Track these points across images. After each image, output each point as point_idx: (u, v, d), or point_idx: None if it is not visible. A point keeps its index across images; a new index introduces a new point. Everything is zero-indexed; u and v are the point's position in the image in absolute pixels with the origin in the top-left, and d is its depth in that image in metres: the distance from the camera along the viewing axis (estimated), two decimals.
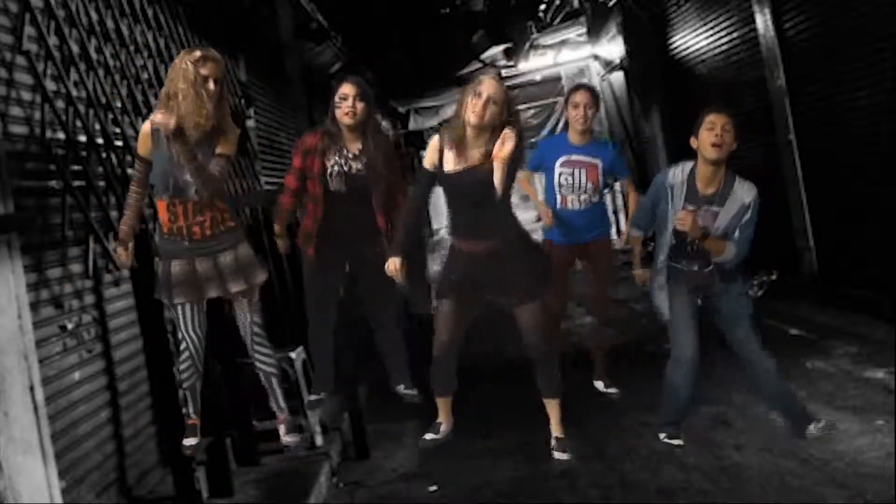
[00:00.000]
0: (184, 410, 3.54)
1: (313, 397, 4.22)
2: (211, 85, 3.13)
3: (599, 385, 5.03)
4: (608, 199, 13.66)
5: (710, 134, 3.56)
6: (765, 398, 3.97)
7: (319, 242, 3.74)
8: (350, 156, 3.67)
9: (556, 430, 3.72)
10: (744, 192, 3.63)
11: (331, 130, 3.68)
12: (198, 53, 3.16)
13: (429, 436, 3.83)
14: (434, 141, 3.43)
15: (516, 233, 3.51)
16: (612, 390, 4.97)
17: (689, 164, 3.71)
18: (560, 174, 4.62)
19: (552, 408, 3.72)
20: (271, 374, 3.57)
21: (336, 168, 3.66)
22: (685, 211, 3.59)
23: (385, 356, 4.06)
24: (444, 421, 3.82)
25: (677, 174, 3.71)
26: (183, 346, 3.39)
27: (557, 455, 3.70)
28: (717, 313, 3.81)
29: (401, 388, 4.03)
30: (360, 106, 3.61)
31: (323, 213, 3.70)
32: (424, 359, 3.79)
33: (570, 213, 4.65)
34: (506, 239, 3.44)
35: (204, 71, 3.12)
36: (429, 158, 3.43)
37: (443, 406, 3.81)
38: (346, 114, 3.61)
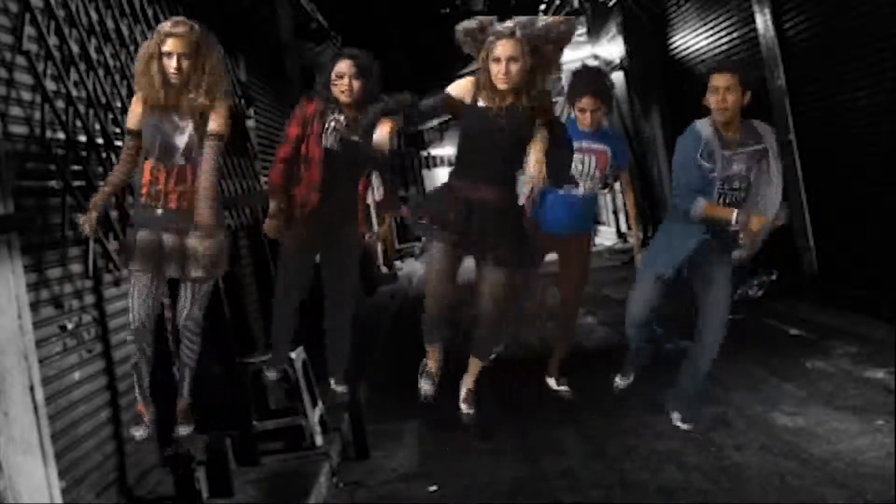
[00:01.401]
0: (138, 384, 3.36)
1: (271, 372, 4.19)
2: (172, 62, 3.09)
3: (551, 382, 4.97)
4: (608, 198, 13.75)
5: (714, 98, 3.56)
6: (680, 371, 3.93)
7: (312, 211, 3.60)
8: (346, 123, 3.61)
9: (468, 383, 3.59)
10: (763, 132, 3.67)
11: (329, 98, 3.63)
12: (164, 28, 3.14)
13: (425, 385, 3.59)
14: (471, 80, 3.23)
15: (515, 197, 3.45)
16: (564, 388, 4.90)
17: (706, 119, 3.67)
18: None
19: (474, 366, 3.57)
20: (191, 367, 3.44)
21: (332, 125, 3.60)
22: (758, 218, 3.52)
23: (329, 347, 4.04)
24: (435, 369, 3.59)
25: (704, 128, 3.65)
26: (130, 318, 3.23)
27: (465, 409, 3.56)
28: (701, 277, 3.78)
29: (332, 383, 4.08)
30: (356, 84, 3.57)
31: (319, 178, 3.59)
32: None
33: (573, 199, 4.55)
34: (510, 196, 3.35)
35: (165, 47, 3.10)
36: (457, 91, 3.23)
37: (434, 355, 3.60)
38: (343, 92, 3.57)
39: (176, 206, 3.17)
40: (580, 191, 4.53)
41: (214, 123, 3.19)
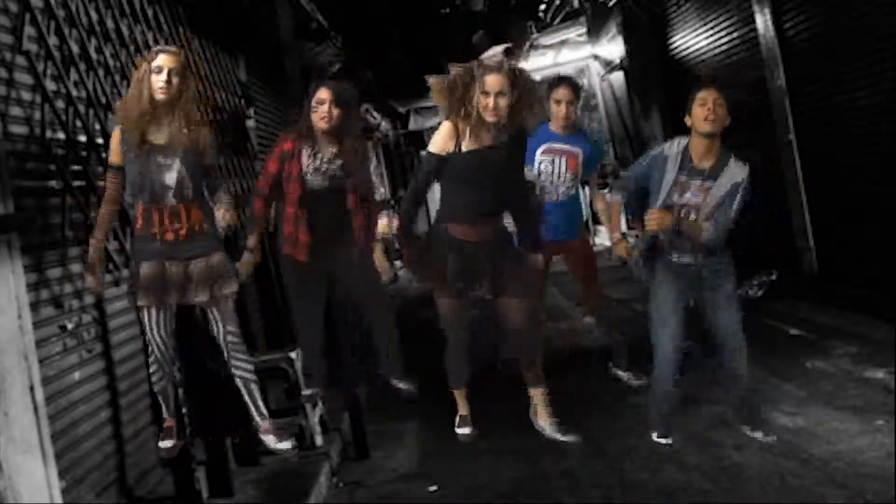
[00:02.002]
0: (164, 413, 3.49)
1: (307, 392, 4.24)
2: (163, 74, 3.08)
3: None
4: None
5: (703, 109, 3.55)
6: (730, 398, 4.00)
7: (304, 247, 3.68)
8: (325, 158, 3.66)
9: (544, 415, 3.69)
10: (738, 171, 3.58)
11: (304, 133, 3.66)
12: (155, 49, 3.18)
13: (463, 430, 3.75)
14: (450, 127, 3.30)
15: (503, 226, 3.52)
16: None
17: (684, 139, 3.68)
18: (540, 162, 4.59)
19: (539, 397, 3.70)
20: (250, 380, 3.44)
21: (311, 168, 3.64)
22: (657, 211, 3.56)
23: (379, 350, 4.04)
24: (466, 412, 3.77)
25: (673, 146, 3.67)
26: (150, 349, 3.31)
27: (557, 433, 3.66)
28: (706, 309, 3.78)
29: (395, 381, 4.01)
30: (335, 112, 3.60)
31: (303, 216, 3.65)
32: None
33: (549, 205, 4.59)
34: (500, 228, 3.46)
35: (155, 62, 3.09)
36: (441, 144, 3.31)
37: (461, 397, 3.76)
38: (322, 118, 3.60)
39: (173, 238, 3.17)
40: (553, 197, 4.58)
41: (212, 157, 3.28)
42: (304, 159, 3.64)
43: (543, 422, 3.68)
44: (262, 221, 3.78)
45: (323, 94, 3.62)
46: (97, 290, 3.34)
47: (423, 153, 3.46)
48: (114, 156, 3.21)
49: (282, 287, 5.50)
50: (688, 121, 3.65)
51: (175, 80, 3.11)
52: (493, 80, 3.19)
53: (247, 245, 3.72)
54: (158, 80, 3.08)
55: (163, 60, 3.10)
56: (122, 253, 3.95)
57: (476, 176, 3.31)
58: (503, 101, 3.20)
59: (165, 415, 3.46)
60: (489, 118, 3.21)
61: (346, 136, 3.69)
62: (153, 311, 3.21)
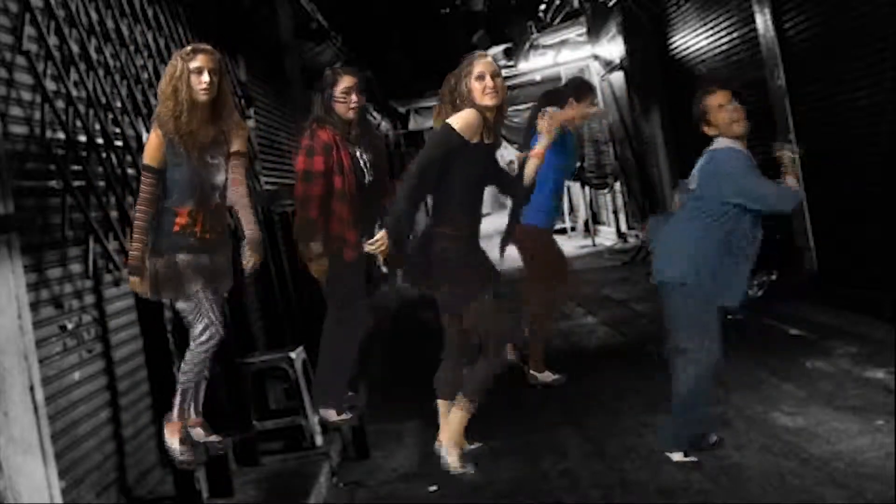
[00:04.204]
0: (183, 406, 3.30)
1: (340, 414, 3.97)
2: (204, 76, 3.04)
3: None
4: (608, 198, 13.76)
5: (729, 112, 3.49)
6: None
7: (352, 246, 3.49)
8: (361, 148, 3.53)
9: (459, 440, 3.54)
10: None
11: (336, 124, 3.48)
12: (188, 48, 3.11)
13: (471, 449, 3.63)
14: (476, 116, 3.15)
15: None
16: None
17: (736, 146, 3.54)
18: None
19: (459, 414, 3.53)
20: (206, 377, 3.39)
21: (363, 160, 3.48)
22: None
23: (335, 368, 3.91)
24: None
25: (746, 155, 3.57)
26: (209, 334, 3.18)
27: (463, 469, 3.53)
28: None
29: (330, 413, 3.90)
30: (362, 99, 3.54)
31: (350, 212, 3.48)
32: None
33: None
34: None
35: (194, 63, 3.04)
36: (468, 126, 3.13)
37: (446, 408, 3.67)
38: (352, 108, 3.47)
39: (210, 237, 3.17)
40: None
41: (242, 143, 3.21)
42: (349, 150, 3.46)
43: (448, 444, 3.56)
44: (318, 230, 3.52)
45: (349, 81, 3.46)
46: (146, 293, 3.23)
47: (438, 129, 3.16)
48: (152, 160, 3.10)
49: (282, 287, 5.50)
50: (709, 131, 3.57)
51: (215, 79, 3.07)
52: (484, 64, 3.18)
53: (314, 251, 3.51)
54: (200, 82, 3.03)
55: (202, 61, 3.04)
56: (122, 253, 3.95)
57: (481, 175, 3.28)
58: (500, 81, 3.18)
59: (188, 413, 3.30)
60: (489, 101, 3.16)
61: (361, 122, 3.54)
62: (206, 294, 3.15)
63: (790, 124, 6.97)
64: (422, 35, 12.14)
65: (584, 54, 13.34)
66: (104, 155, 3.94)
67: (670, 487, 3.62)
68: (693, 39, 8.94)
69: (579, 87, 4.64)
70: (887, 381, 4.51)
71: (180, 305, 3.18)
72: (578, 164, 4.75)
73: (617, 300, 8.23)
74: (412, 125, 16.05)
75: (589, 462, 4.03)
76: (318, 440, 4.62)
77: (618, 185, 12.84)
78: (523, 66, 13.86)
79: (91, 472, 3.46)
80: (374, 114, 15.00)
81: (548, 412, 4.83)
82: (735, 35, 7.83)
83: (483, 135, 3.22)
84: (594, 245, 13.81)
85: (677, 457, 3.77)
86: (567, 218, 15.61)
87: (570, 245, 13.34)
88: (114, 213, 3.87)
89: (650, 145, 11.09)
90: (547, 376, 5.25)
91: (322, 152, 3.44)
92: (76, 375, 3.47)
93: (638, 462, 3.95)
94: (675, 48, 9.53)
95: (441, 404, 3.68)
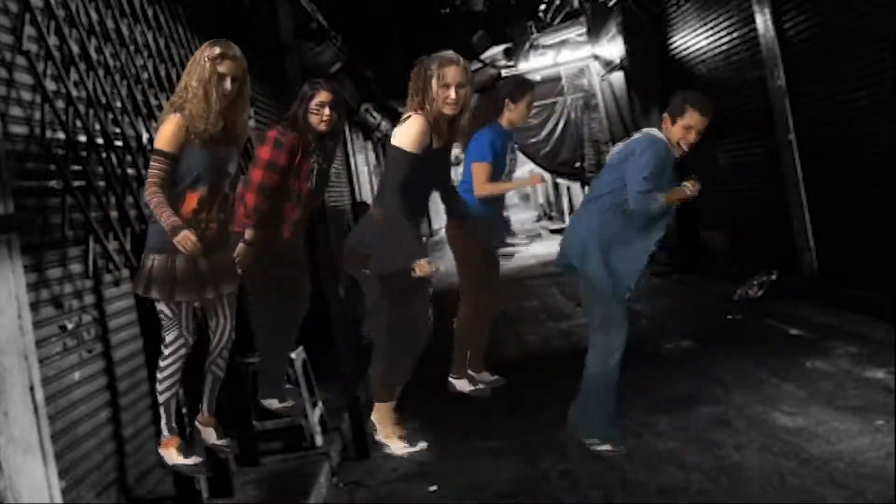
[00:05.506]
0: (170, 422, 3.27)
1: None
2: (227, 83, 3.06)
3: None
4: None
5: (691, 136, 3.56)
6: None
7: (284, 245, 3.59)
8: (319, 158, 3.66)
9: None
10: None
11: (306, 131, 3.59)
12: (217, 50, 3.11)
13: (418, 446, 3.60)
14: (424, 122, 3.19)
15: None
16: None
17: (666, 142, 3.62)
18: (511, 160, 4.53)
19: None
20: (221, 377, 3.37)
21: (316, 167, 3.61)
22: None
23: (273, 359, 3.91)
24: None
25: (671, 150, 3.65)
26: (178, 345, 3.19)
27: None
28: None
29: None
30: (334, 115, 3.62)
31: (299, 216, 3.60)
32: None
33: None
34: None
35: (221, 69, 3.06)
36: (422, 141, 3.19)
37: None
38: (323, 121, 3.59)
39: (214, 230, 3.13)
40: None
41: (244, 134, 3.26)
42: (309, 157, 3.58)
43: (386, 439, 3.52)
44: (265, 219, 3.53)
45: (324, 96, 3.61)
46: (197, 249, 3.02)
47: (396, 152, 3.22)
48: (168, 145, 3.06)
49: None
50: (668, 128, 3.60)
51: (235, 87, 3.10)
52: (453, 72, 3.18)
53: (247, 238, 3.50)
54: (227, 86, 3.07)
55: (230, 68, 3.07)
56: (122, 253, 3.95)
57: (433, 173, 3.32)
58: (463, 93, 3.19)
59: (167, 432, 3.27)
60: (448, 112, 3.17)
61: (332, 140, 3.70)
62: (186, 307, 3.14)
63: (790, 124, 6.98)
64: (422, 35, 12.10)
65: (584, 54, 13.34)
66: (104, 155, 3.94)
67: (670, 487, 3.63)
68: (693, 39, 8.94)
69: (515, 89, 4.49)
70: (887, 381, 4.51)
71: (162, 308, 3.18)
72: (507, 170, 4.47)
73: None
74: None
75: (589, 462, 4.03)
76: (318, 440, 4.62)
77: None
78: (523, 66, 13.85)
79: (91, 472, 3.47)
80: (374, 114, 15.00)
81: (548, 412, 4.83)
82: (735, 35, 7.83)
83: (434, 139, 3.25)
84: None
85: (593, 444, 3.77)
86: (567, 218, 15.62)
87: None
88: (114, 213, 3.87)
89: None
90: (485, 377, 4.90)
91: (287, 150, 3.55)
92: (76, 375, 3.48)
93: (638, 462, 3.95)
94: (675, 48, 9.54)
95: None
